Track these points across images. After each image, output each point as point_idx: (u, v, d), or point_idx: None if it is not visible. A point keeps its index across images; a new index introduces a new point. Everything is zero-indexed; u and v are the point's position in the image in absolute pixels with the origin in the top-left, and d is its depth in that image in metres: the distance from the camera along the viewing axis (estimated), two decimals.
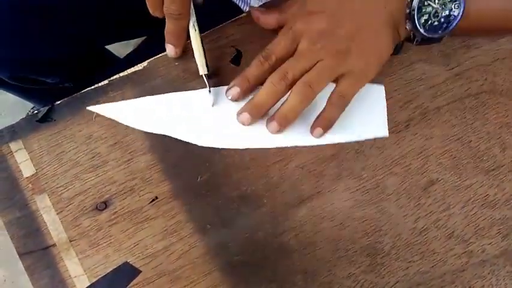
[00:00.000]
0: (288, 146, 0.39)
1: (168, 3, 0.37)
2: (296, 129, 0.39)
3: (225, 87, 0.40)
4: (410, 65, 0.42)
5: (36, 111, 0.40)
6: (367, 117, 0.40)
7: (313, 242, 0.37)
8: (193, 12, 0.39)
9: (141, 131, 0.39)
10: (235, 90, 0.39)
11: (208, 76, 0.40)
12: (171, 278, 0.36)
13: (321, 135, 0.38)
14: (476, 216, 0.38)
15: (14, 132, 0.39)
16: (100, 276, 0.35)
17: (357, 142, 0.39)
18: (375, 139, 0.40)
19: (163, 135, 0.39)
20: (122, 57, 0.74)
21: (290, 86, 0.36)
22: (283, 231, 0.37)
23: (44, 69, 0.57)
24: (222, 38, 0.42)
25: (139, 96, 0.40)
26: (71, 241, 0.36)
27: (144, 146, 0.39)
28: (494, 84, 0.42)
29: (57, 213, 0.37)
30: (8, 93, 1.04)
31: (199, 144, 0.39)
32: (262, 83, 0.38)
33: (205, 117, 0.40)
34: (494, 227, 0.38)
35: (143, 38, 0.73)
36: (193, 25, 0.39)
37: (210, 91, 0.39)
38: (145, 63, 0.42)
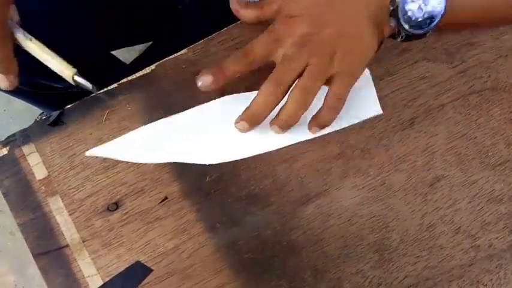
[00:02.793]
0: (293, 143, 0.39)
1: None
2: (298, 126, 0.40)
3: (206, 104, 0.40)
4: (414, 63, 0.43)
5: (46, 116, 0.41)
6: (359, 100, 0.40)
7: (322, 239, 0.38)
8: (15, 25, 0.36)
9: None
10: (208, 79, 0.37)
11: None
12: (182, 276, 0.36)
13: (316, 132, 0.38)
14: (482, 211, 0.39)
15: (27, 136, 0.40)
16: (113, 276, 0.36)
17: (363, 141, 0.40)
18: (380, 139, 0.40)
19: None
20: (128, 63, 0.76)
21: (285, 92, 0.36)
22: (291, 229, 0.38)
23: (53, 75, 0.58)
24: (227, 40, 0.43)
25: (147, 98, 0.41)
26: (83, 241, 0.37)
27: None
28: (498, 81, 0.42)
29: (70, 215, 0.38)
30: (15, 101, 1.06)
31: (207, 163, 0.39)
32: (233, 78, 0.37)
33: (205, 135, 0.40)
34: (501, 222, 0.38)
35: (149, 43, 0.74)
36: (25, 36, 0.36)
37: (92, 87, 0.37)
38: (153, 67, 0.42)
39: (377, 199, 0.39)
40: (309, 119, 0.39)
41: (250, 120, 0.37)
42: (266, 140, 0.40)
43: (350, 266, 0.37)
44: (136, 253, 0.37)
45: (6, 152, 0.39)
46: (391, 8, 0.36)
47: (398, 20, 0.36)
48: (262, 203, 0.38)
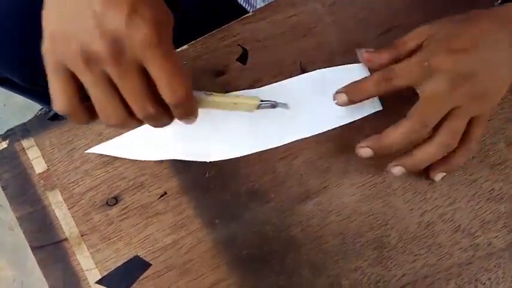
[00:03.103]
0: (296, 140, 0.39)
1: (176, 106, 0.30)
2: (299, 123, 0.40)
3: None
4: None
5: (46, 111, 0.41)
6: None
7: (320, 235, 0.38)
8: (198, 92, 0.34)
9: None
10: (343, 98, 0.37)
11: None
12: (180, 271, 0.36)
13: (440, 177, 0.38)
14: (482, 210, 0.39)
15: (26, 130, 0.40)
16: (111, 270, 0.36)
17: (363, 138, 0.40)
18: None
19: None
20: None
21: (429, 133, 0.34)
22: (290, 225, 0.38)
23: None
24: (228, 36, 0.43)
25: None
26: (82, 235, 0.37)
27: None
28: None
29: (69, 209, 0.38)
30: (16, 97, 1.06)
31: (208, 161, 0.39)
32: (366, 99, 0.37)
33: (206, 132, 0.39)
34: (500, 221, 0.38)
35: None
36: (205, 94, 0.34)
37: (275, 103, 0.37)
38: None
39: (376, 197, 0.39)
40: (303, 116, 0.39)
41: (378, 150, 0.35)
42: (267, 138, 0.39)
43: (348, 263, 0.37)
44: (135, 248, 0.37)
45: (6, 146, 0.39)
46: None
47: None
48: (261, 200, 0.38)
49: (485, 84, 0.34)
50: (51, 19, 0.29)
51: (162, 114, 0.30)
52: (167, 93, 0.28)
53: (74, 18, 0.27)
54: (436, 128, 0.35)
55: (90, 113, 0.30)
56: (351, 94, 0.37)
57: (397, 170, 0.36)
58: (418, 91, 0.35)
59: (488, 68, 0.34)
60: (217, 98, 0.34)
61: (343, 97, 0.37)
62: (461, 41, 0.34)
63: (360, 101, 0.37)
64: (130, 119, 0.30)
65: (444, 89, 0.33)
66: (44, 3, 0.29)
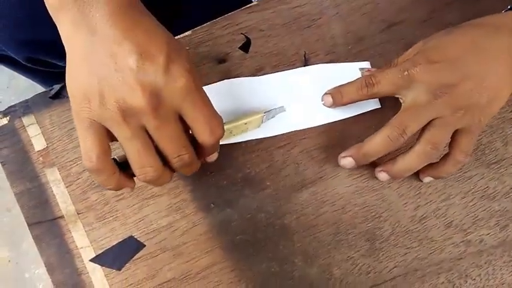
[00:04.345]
0: (292, 130, 0.40)
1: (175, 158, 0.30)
2: (297, 115, 0.40)
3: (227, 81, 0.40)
4: None
5: (48, 89, 0.41)
6: None
7: (314, 225, 0.38)
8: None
9: None
10: (328, 99, 0.39)
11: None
12: (174, 253, 0.37)
13: (428, 180, 0.39)
14: (475, 207, 0.39)
15: (27, 107, 0.40)
16: (105, 248, 0.36)
17: (361, 131, 0.40)
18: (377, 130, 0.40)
19: None
20: None
21: (406, 142, 0.34)
22: (285, 214, 0.38)
23: (59, 53, 0.58)
24: (232, 24, 0.43)
25: None
26: (78, 214, 0.37)
27: None
28: None
29: (66, 187, 0.38)
30: (19, 78, 1.06)
31: None
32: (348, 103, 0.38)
33: None
34: (493, 218, 0.39)
35: None
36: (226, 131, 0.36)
37: (278, 108, 0.40)
38: None
39: (371, 189, 0.39)
40: (302, 109, 0.40)
41: (359, 159, 0.36)
42: (266, 127, 0.40)
43: (341, 253, 0.37)
44: (130, 228, 0.37)
45: (6, 122, 0.40)
46: None
47: None
48: (257, 187, 0.39)
49: (469, 95, 0.34)
50: (79, 78, 0.29)
51: (195, 160, 0.31)
52: (206, 135, 0.29)
53: (109, 75, 0.27)
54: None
55: (125, 179, 0.31)
56: (335, 97, 0.38)
57: (382, 175, 0.37)
58: (400, 100, 0.36)
59: (473, 79, 0.34)
60: (231, 124, 0.37)
61: (329, 99, 0.39)
62: (442, 52, 0.35)
63: (343, 105, 0.38)
64: (166, 171, 0.31)
65: (423, 99, 0.34)
66: (67, 63, 0.29)
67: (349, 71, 0.41)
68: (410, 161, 0.35)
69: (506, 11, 0.38)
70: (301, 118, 0.40)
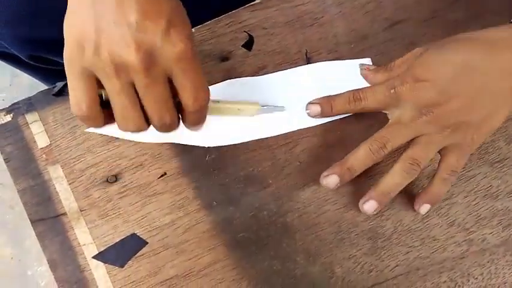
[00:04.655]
0: (294, 130, 0.40)
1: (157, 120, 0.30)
2: (298, 113, 0.40)
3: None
4: None
5: (51, 87, 0.41)
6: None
7: (316, 223, 0.38)
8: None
9: None
10: (316, 109, 0.39)
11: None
12: (176, 250, 0.37)
13: (427, 211, 0.37)
14: (478, 206, 0.39)
15: (31, 104, 0.40)
16: (108, 246, 0.37)
17: (363, 130, 0.40)
18: (380, 129, 0.40)
19: None
20: None
21: (386, 156, 0.35)
22: (287, 212, 0.38)
23: (60, 50, 0.58)
24: (235, 22, 0.43)
25: None
26: (81, 211, 0.38)
27: None
28: None
29: (69, 184, 0.38)
30: (22, 76, 1.06)
31: (207, 146, 0.39)
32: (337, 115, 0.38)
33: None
34: (496, 218, 0.39)
35: None
36: (213, 102, 0.36)
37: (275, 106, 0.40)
38: None
39: None
40: (302, 107, 0.40)
41: (342, 174, 0.35)
42: (266, 127, 0.40)
43: (343, 251, 0.37)
44: (133, 225, 0.37)
45: (10, 119, 0.40)
46: None
47: None
48: (259, 185, 0.39)
49: (456, 114, 0.34)
50: (77, 26, 0.29)
51: (175, 123, 0.31)
52: (190, 101, 0.30)
53: (107, 27, 0.27)
54: None
55: (106, 118, 0.30)
56: (325, 108, 0.38)
57: (367, 205, 0.36)
58: (388, 116, 0.37)
59: (462, 99, 0.34)
60: (224, 104, 0.37)
61: (317, 109, 0.39)
62: (431, 71, 0.34)
63: (329, 117, 0.39)
64: (146, 127, 0.31)
65: (408, 117, 0.34)
66: (68, 10, 0.29)
67: (351, 68, 0.41)
68: (391, 179, 0.35)
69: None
70: (303, 117, 0.40)
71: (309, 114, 0.39)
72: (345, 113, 0.38)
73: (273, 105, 0.40)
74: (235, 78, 0.41)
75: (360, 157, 0.35)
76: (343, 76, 0.40)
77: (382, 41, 0.43)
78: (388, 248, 0.37)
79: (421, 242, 0.38)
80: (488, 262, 0.37)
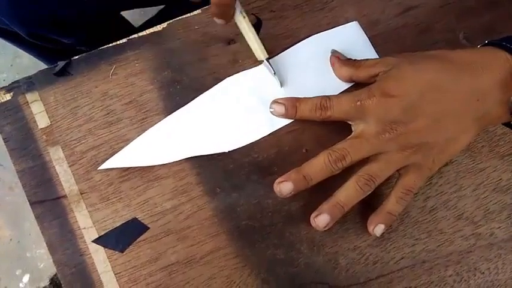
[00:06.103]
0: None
1: None
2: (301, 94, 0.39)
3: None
4: (434, 44, 0.41)
5: (52, 66, 0.40)
6: (359, 55, 0.39)
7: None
8: (239, 3, 0.38)
9: (156, 92, 0.39)
10: (281, 109, 0.38)
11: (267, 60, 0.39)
12: (178, 236, 0.36)
13: (382, 232, 0.35)
14: (487, 199, 0.38)
15: (31, 83, 0.39)
16: (108, 230, 0.36)
17: None
18: None
19: (177, 98, 0.39)
20: (137, 27, 0.74)
21: (343, 169, 0.34)
22: (291, 200, 0.37)
23: (61, 29, 0.57)
24: (243, 4, 0.42)
25: (156, 56, 0.40)
26: (81, 194, 0.37)
27: (159, 107, 0.39)
28: None
29: (70, 166, 0.37)
30: (23, 57, 1.05)
31: (227, 150, 0.38)
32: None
33: (215, 123, 0.39)
34: (505, 212, 0.38)
35: (161, 7, 0.73)
36: (241, 13, 0.38)
37: (274, 73, 0.39)
38: (164, 25, 0.41)
39: None
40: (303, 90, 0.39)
41: (298, 181, 0.34)
42: (278, 119, 0.39)
43: (347, 242, 0.37)
44: (134, 210, 0.36)
45: (10, 98, 0.39)
46: None
47: None
48: (264, 172, 0.38)
49: (419, 135, 0.33)
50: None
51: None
52: None
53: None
54: None
55: None
56: (288, 110, 0.37)
57: (319, 219, 0.34)
58: (352, 127, 0.36)
59: (427, 119, 0.33)
60: (245, 25, 0.38)
61: (282, 109, 0.37)
62: (399, 87, 0.34)
63: (295, 119, 0.38)
64: None
65: (371, 131, 0.34)
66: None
67: (340, 36, 0.41)
68: (344, 192, 0.34)
69: (483, 45, 0.36)
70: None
71: (272, 113, 0.38)
72: (309, 119, 0.37)
73: (277, 76, 0.39)
74: (241, 61, 0.40)
75: (317, 166, 0.34)
76: (336, 44, 0.40)
77: (394, 27, 0.41)
78: (394, 240, 0.37)
79: (428, 234, 0.37)
80: (495, 257, 0.37)
